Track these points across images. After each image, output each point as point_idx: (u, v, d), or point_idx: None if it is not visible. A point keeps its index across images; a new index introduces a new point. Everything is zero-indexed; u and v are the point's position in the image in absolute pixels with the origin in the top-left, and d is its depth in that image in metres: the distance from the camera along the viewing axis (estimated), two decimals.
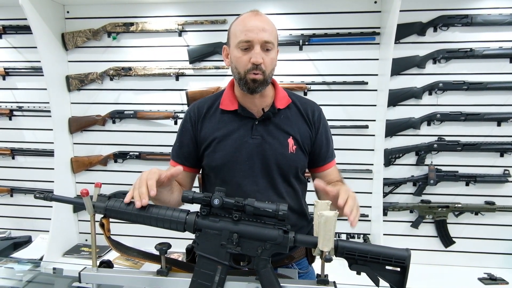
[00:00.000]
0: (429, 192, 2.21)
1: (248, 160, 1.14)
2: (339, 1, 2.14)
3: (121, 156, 2.37)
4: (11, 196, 2.51)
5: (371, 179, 2.22)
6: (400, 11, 1.87)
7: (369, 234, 2.27)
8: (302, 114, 1.20)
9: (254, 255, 0.88)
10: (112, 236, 0.96)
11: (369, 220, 2.26)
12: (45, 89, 2.21)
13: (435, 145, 2.15)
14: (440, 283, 2.04)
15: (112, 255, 2.21)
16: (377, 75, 2.17)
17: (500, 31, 2.07)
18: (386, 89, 2.02)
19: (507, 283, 1.99)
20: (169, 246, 0.93)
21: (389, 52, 1.96)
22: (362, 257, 0.86)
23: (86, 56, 2.35)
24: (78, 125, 2.37)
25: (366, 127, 2.18)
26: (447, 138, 2.15)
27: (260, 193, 1.13)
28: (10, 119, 2.46)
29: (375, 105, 2.18)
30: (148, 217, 0.90)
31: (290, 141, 1.16)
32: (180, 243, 1.48)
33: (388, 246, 0.89)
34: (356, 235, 2.27)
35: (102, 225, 0.93)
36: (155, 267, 0.95)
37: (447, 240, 2.20)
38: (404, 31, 2.09)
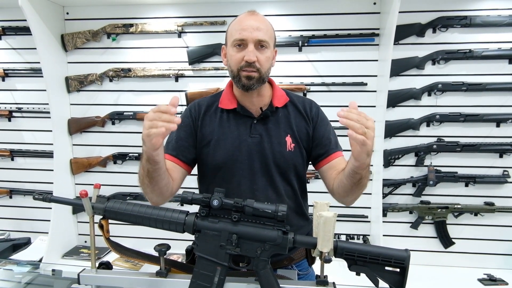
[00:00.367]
0: (428, 193, 2.21)
1: (247, 158, 1.14)
2: (338, 3, 2.15)
3: (120, 157, 2.37)
4: (10, 197, 2.51)
5: (371, 180, 2.22)
6: (399, 12, 1.87)
7: (368, 235, 2.27)
8: (300, 110, 1.21)
9: (253, 256, 0.88)
10: (111, 238, 0.96)
11: (369, 221, 2.26)
12: (45, 90, 2.20)
13: (435, 146, 2.15)
14: (439, 284, 2.04)
15: (111, 257, 2.21)
16: (376, 76, 2.17)
17: (499, 32, 2.07)
18: (385, 90, 2.02)
19: (506, 283, 1.99)
20: (168, 247, 0.93)
21: (388, 53, 1.96)
22: (361, 258, 0.86)
23: (85, 57, 2.35)
24: (78, 126, 2.37)
25: None
26: (446, 139, 2.16)
27: (259, 191, 1.14)
28: (10, 120, 2.45)
29: (375, 106, 2.18)
30: (147, 218, 0.90)
31: (288, 139, 1.16)
32: (179, 244, 1.48)
33: (388, 247, 0.89)
34: (355, 236, 2.27)
35: (101, 227, 0.93)
36: (155, 268, 0.95)
37: (446, 241, 2.20)
38: (403, 32, 2.09)
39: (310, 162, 1.26)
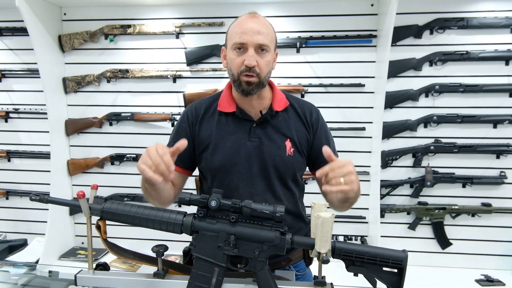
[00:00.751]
0: (426, 194, 2.21)
1: (246, 162, 1.14)
2: (336, 4, 2.15)
3: (118, 158, 2.36)
4: (7, 198, 2.49)
5: (368, 181, 2.22)
6: (397, 14, 1.88)
7: (366, 236, 2.27)
8: (300, 116, 1.20)
9: (251, 257, 0.88)
10: (108, 239, 0.96)
11: (366, 222, 2.26)
12: (42, 91, 2.20)
13: (432, 147, 2.16)
14: (437, 284, 2.04)
15: (108, 258, 2.20)
16: (374, 77, 2.18)
17: (495, 33, 2.08)
18: (383, 91, 2.03)
19: (504, 284, 1.99)
20: (166, 248, 0.93)
21: (386, 55, 1.97)
22: (359, 258, 0.86)
23: (83, 58, 2.35)
24: (75, 127, 2.36)
25: (363, 129, 2.19)
26: (443, 140, 2.16)
27: (257, 195, 1.13)
28: (6, 121, 2.44)
29: (372, 107, 2.19)
30: (145, 219, 0.90)
31: (288, 143, 1.16)
32: (177, 246, 1.46)
33: (385, 247, 0.89)
34: (353, 237, 2.27)
35: (98, 228, 0.93)
36: (152, 269, 0.95)
37: (444, 241, 2.21)
38: (400, 33, 2.10)
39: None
